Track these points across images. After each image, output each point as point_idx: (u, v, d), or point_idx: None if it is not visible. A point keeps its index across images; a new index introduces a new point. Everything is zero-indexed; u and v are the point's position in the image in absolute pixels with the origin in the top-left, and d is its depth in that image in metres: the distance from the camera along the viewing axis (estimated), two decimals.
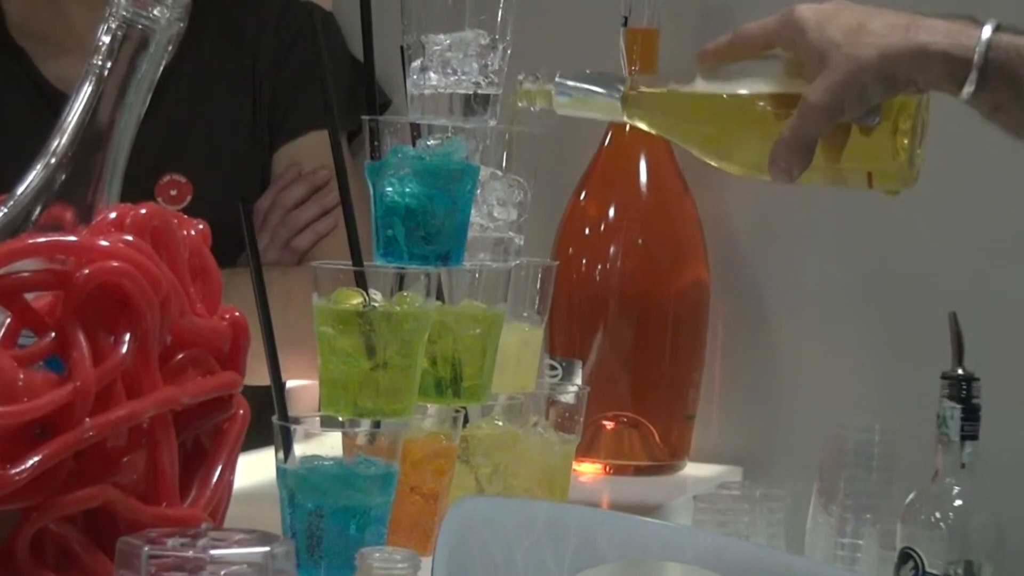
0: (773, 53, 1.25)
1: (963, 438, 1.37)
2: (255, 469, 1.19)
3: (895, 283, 1.68)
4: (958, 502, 1.38)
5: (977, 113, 1.20)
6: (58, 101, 1.64)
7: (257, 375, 1.05)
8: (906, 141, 1.23)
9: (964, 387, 1.37)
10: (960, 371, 1.39)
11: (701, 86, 1.27)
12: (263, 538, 0.76)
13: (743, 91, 1.26)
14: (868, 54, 1.17)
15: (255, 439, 1.07)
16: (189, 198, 1.74)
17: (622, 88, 1.30)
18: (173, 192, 1.74)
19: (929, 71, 1.17)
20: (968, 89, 1.16)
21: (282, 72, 1.79)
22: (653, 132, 1.35)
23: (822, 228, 1.72)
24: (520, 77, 1.31)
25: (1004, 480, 1.47)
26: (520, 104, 1.32)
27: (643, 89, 1.31)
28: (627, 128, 1.66)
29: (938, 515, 1.38)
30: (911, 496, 1.40)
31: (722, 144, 1.29)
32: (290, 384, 1.88)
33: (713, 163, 1.30)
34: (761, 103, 1.25)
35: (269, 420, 1.09)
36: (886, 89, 1.19)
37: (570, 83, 1.31)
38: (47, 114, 1.67)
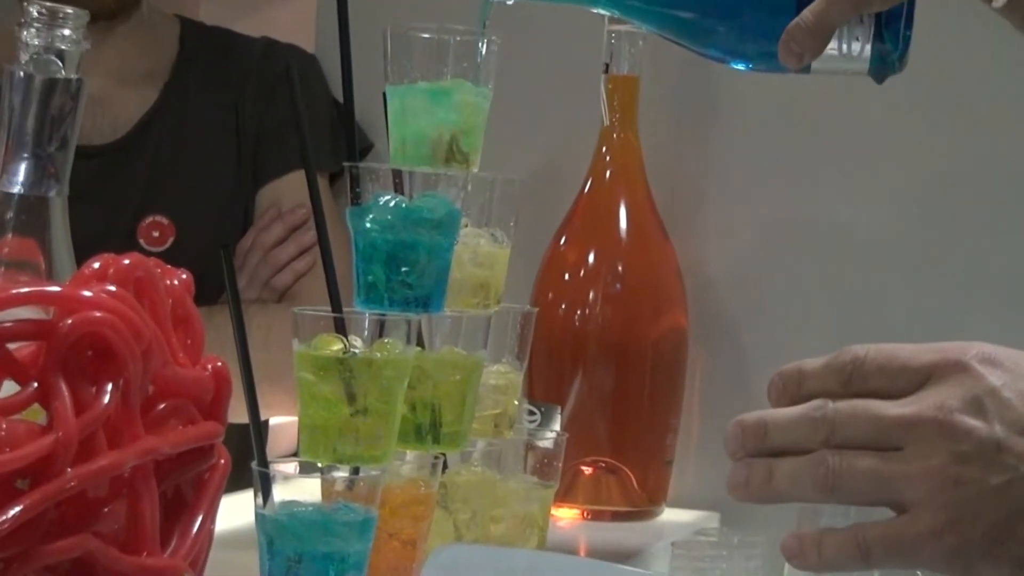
0: None
1: None
2: (234, 512, 1.19)
3: (874, 331, 1.69)
4: None
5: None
6: None
7: (237, 412, 1.05)
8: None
9: None
10: None
11: None
12: None
13: None
14: None
15: (234, 481, 1.07)
16: (171, 239, 1.75)
17: None
18: (155, 234, 1.74)
19: None
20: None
21: (265, 115, 1.80)
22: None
23: (801, 275, 1.72)
24: None
25: None
26: None
27: None
28: (607, 175, 1.67)
29: None
30: None
31: None
32: (272, 421, 1.89)
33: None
34: None
35: (248, 462, 1.09)
36: None
37: None
38: None
